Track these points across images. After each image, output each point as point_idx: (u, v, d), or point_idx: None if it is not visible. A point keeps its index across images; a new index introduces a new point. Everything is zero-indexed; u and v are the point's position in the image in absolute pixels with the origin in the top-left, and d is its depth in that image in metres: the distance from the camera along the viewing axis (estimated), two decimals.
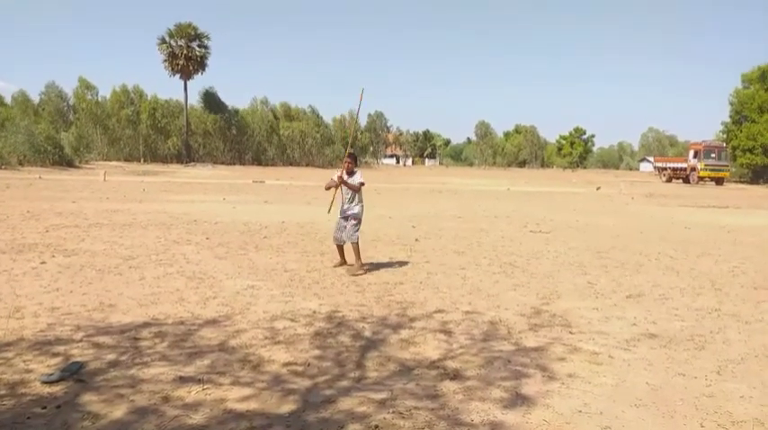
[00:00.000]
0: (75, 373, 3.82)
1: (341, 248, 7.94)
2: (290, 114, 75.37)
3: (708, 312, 6.01)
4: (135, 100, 67.27)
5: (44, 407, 3.34)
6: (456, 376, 4.02)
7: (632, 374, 4.15)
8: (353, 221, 7.73)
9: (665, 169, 51.40)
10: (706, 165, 45.13)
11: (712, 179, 45.51)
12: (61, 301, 5.72)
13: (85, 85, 66.38)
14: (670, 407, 3.60)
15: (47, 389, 3.59)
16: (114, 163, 55.01)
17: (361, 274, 7.39)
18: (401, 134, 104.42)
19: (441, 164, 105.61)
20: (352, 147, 11.51)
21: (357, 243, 7.66)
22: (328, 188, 7.81)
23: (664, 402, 3.66)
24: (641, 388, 3.90)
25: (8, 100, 64.15)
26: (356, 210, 7.77)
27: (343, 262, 7.92)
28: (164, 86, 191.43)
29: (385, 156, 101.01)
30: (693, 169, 45.96)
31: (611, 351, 4.67)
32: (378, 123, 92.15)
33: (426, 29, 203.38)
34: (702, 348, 4.81)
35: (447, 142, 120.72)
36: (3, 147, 40.11)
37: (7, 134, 42.38)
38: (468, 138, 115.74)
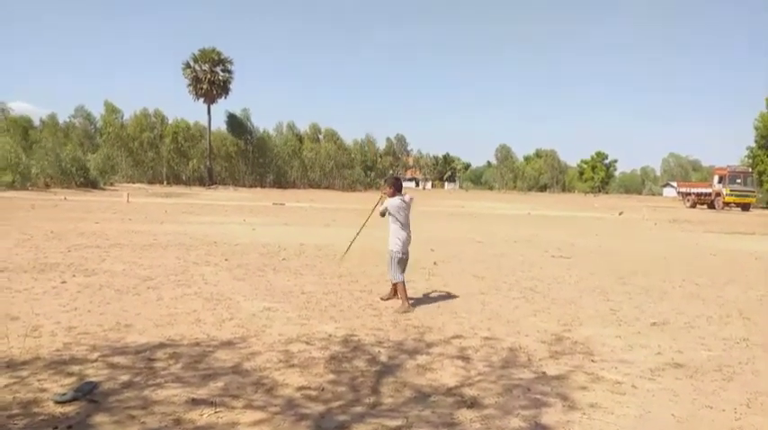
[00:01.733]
0: (88, 394, 3.80)
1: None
2: (316, 136, 76.34)
3: (736, 342, 5.80)
4: (156, 124, 68.69)
5: (55, 427, 3.32)
6: (473, 404, 3.91)
7: (657, 405, 4.00)
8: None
9: (690, 194, 50.60)
10: (731, 191, 44.31)
11: (738, 205, 44.63)
12: (78, 321, 5.74)
13: (111, 109, 68.08)
14: None
15: (59, 409, 3.57)
16: (138, 185, 55.97)
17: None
18: (421, 157, 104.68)
19: (460, 187, 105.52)
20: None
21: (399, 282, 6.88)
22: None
23: None
24: (666, 420, 3.75)
25: (36, 123, 66.00)
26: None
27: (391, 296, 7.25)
28: (186, 110, 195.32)
29: (405, 180, 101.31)
30: (718, 194, 45.17)
31: (635, 380, 4.51)
32: (398, 146, 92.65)
33: (447, 53, 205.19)
34: (731, 379, 4.63)
35: (467, 166, 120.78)
36: (31, 169, 41.08)
37: (36, 156, 43.45)
38: (489, 162, 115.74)
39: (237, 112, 71.66)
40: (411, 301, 6.93)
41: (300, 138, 75.63)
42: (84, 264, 9.16)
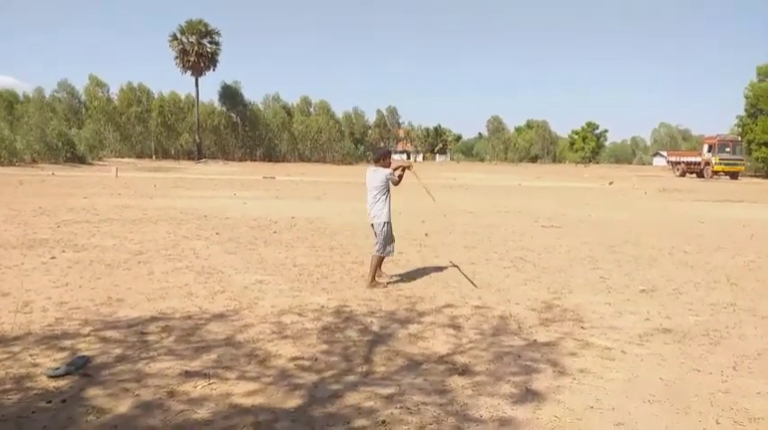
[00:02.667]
0: (80, 368, 3.80)
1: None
2: (307, 109, 75.48)
3: (723, 307, 5.89)
4: (142, 98, 67.73)
5: (49, 402, 3.33)
6: (465, 371, 3.95)
7: (645, 370, 4.07)
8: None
9: (679, 164, 50.80)
10: (721, 160, 44.51)
11: (727, 173, 44.89)
12: (70, 296, 5.72)
13: (96, 83, 66.98)
14: (684, 403, 3.51)
15: (52, 384, 3.58)
16: (126, 160, 55.42)
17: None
18: (412, 129, 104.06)
19: (452, 159, 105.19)
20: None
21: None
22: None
23: (678, 398, 3.57)
24: (655, 383, 3.82)
25: (20, 97, 64.84)
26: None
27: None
28: (176, 83, 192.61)
29: (395, 152, 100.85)
30: (708, 163, 45.34)
31: (624, 346, 4.58)
32: (389, 119, 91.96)
33: (438, 24, 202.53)
34: (718, 343, 4.71)
35: (458, 137, 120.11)
36: (17, 144, 40.49)
37: (21, 131, 42.80)
38: (480, 134, 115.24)
39: (227, 84, 70.71)
40: (401, 274, 6.93)
41: (290, 112, 74.83)
42: (74, 240, 9.10)
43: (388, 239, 6.58)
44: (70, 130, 48.90)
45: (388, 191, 6.56)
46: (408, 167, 6.90)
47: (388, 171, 6.52)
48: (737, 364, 4.21)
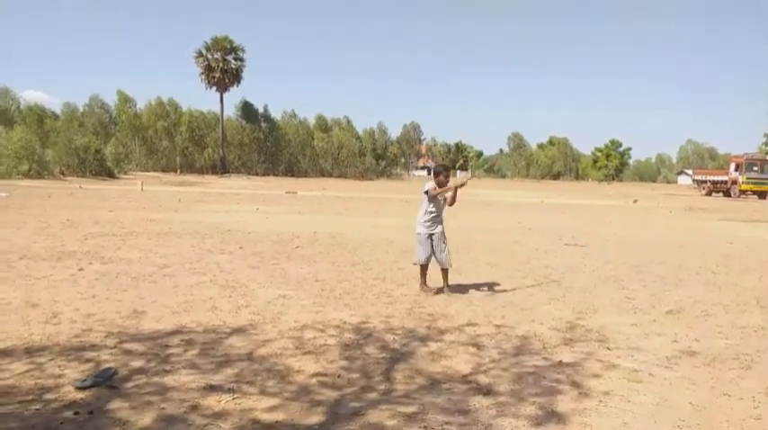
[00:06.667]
0: (108, 379, 3.85)
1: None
2: (325, 126, 76.25)
3: (753, 330, 5.75)
4: (170, 112, 69.05)
5: (76, 413, 3.37)
6: (488, 391, 3.91)
7: (674, 393, 3.98)
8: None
9: (705, 182, 50.00)
10: (748, 179, 43.70)
11: (755, 193, 44.00)
12: (96, 308, 5.81)
13: (124, 98, 68.49)
14: (715, 428, 3.42)
15: (79, 395, 3.62)
16: (152, 173, 56.37)
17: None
18: (435, 145, 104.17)
19: (473, 175, 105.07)
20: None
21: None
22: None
23: (708, 424, 3.49)
24: (684, 408, 3.73)
25: (49, 112, 66.66)
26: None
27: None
28: (199, 99, 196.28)
29: (416, 168, 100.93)
30: (734, 182, 44.57)
31: (652, 368, 4.48)
32: (412, 135, 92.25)
33: (460, 41, 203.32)
34: (749, 368, 4.59)
35: (479, 154, 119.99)
36: (48, 158, 41.52)
37: (52, 145, 43.91)
38: (501, 150, 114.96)
39: (253, 102, 71.86)
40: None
41: (311, 128, 75.57)
42: (101, 252, 9.26)
43: (417, 247, 7.14)
44: (100, 145, 49.97)
45: (430, 204, 7.01)
46: (461, 185, 7.22)
47: (430, 185, 7.00)
48: None
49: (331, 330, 5.31)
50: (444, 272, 7.12)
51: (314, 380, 4.04)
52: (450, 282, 7.17)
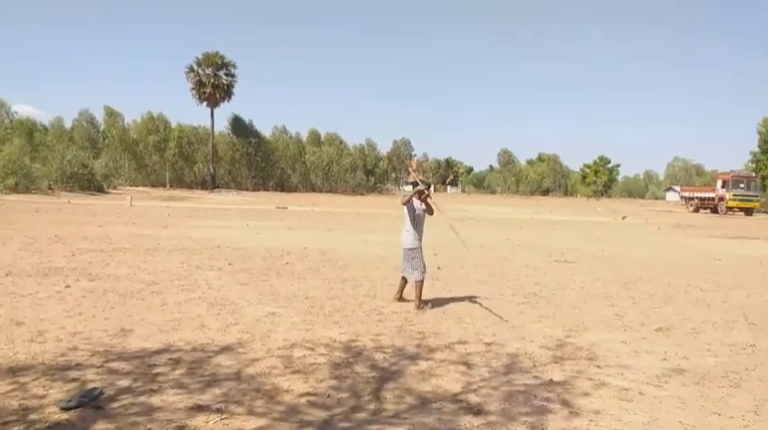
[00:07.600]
0: (93, 400, 3.79)
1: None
2: (317, 141, 76.39)
3: (742, 348, 5.77)
4: (160, 127, 68.87)
5: None
6: (478, 411, 3.89)
7: (664, 412, 3.98)
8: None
9: (693, 199, 50.49)
10: (735, 196, 44.22)
11: (741, 209, 44.50)
12: (83, 326, 5.73)
13: (110, 113, 68.30)
14: None
15: (63, 416, 3.56)
16: (141, 188, 56.06)
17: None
18: (425, 161, 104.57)
19: (463, 191, 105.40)
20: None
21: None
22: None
23: None
24: (674, 427, 3.73)
25: (38, 126, 66.40)
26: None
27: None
28: (189, 114, 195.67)
29: (406, 184, 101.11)
30: (722, 199, 45.08)
31: (641, 387, 4.49)
32: (402, 150, 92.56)
33: (450, 57, 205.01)
34: (738, 386, 4.60)
35: (469, 170, 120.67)
36: (35, 172, 41.16)
37: (40, 159, 43.58)
38: (491, 166, 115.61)
39: (244, 117, 71.85)
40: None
41: (302, 143, 75.68)
42: (89, 269, 9.16)
43: (415, 263, 7.27)
44: (88, 159, 49.66)
45: (408, 217, 7.24)
46: (422, 192, 7.28)
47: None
48: (759, 408, 4.11)
49: (320, 349, 5.27)
50: (410, 283, 7.33)
51: (303, 400, 4.00)
52: (441, 299, 7.19)
